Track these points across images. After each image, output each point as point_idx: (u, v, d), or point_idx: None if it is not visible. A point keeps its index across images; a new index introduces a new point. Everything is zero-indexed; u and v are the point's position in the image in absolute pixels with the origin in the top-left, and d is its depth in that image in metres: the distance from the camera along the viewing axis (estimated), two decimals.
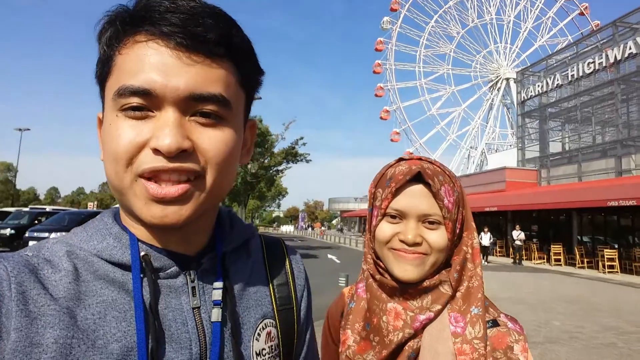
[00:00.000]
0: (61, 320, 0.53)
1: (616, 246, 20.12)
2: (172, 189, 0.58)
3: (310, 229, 72.35)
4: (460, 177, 34.81)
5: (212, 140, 0.60)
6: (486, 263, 21.05)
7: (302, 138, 27.74)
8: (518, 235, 21.64)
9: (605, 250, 18.70)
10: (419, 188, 0.92)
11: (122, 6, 0.61)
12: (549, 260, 21.69)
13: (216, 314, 0.64)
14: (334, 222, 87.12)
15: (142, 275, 0.61)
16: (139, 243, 0.63)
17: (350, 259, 21.73)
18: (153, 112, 0.58)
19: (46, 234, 13.29)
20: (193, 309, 0.64)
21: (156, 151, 0.57)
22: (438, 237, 0.91)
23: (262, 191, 34.20)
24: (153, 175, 0.58)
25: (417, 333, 0.90)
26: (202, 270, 0.67)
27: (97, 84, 0.64)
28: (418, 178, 0.92)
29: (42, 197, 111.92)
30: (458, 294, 0.93)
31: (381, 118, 52.97)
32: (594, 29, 50.67)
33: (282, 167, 29.33)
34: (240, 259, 0.75)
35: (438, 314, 0.91)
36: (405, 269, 0.90)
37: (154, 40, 0.58)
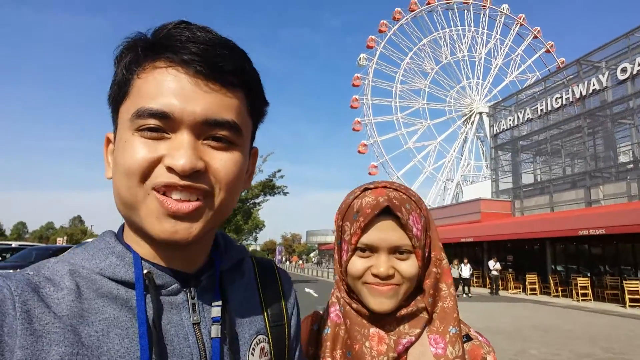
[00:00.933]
0: (66, 338, 0.54)
1: (589, 274, 20.46)
2: (185, 206, 0.60)
3: (287, 262, 71.44)
4: (436, 209, 35.21)
5: (224, 162, 0.63)
6: (469, 295, 20.85)
7: (279, 170, 27.77)
8: (494, 265, 21.82)
9: (578, 278, 18.99)
10: (387, 221, 0.91)
11: (142, 34, 0.64)
12: (524, 290, 21.84)
13: (215, 331, 0.67)
14: (311, 255, 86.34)
15: (145, 292, 0.63)
16: (142, 261, 0.65)
17: (327, 292, 21.35)
18: (168, 134, 0.61)
19: (11, 272, 12.69)
20: (193, 324, 0.66)
21: (170, 169, 0.59)
22: (409, 266, 0.91)
23: (239, 224, 33.70)
24: (166, 190, 0.60)
25: (400, 356, 0.90)
26: (202, 287, 0.70)
27: (110, 105, 0.67)
28: (386, 210, 0.91)
29: (8, 232, 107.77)
30: (434, 315, 0.95)
31: (359, 152, 53.62)
32: (560, 65, 53.27)
33: (259, 199, 29.15)
34: (236, 277, 0.78)
35: (418, 337, 0.92)
36: (381, 302, 0.91)
37: (174, 67, 0.61)
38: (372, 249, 0.92)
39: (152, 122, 0.60)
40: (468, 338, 0.96)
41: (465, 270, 21.66)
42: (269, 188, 27.89)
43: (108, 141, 0.69)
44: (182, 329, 0.64)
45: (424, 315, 0.94)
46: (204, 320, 0.67)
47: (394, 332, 0.92)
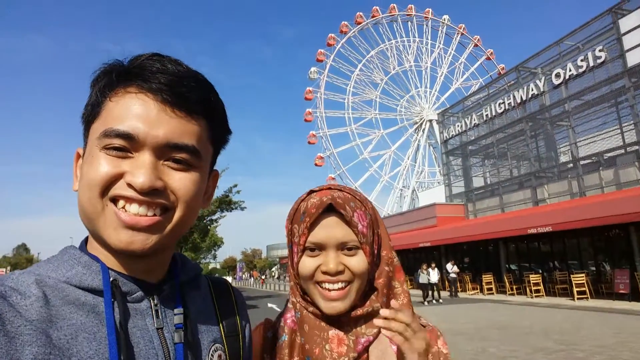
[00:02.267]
0: (38, 338, 0.56)
1: (540, 271, 21.38)
2: (143, 220, 0.65)
3: (251, 278, 70.28)
4: (394, 216, 35.73)
5: (182, 181, 0.69)
6: (439, 301, 20.31)
7: (236, 185, 27.33)
8: (452, 268, 22.28)
9: (530, 276, 19.81)
10: (332, 218, 0.94)
11: (118, 61, 0.70)
12: (482, 290, 22.52)
13: (178, 337, 0.71)
14: (274, 269, 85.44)
15: (112, 299, 0.66)
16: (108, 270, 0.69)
17: None
18: (132, 153, 0.66)
19: None
20: (157, 329, 0.70)
21: (130, 186, 0.64)
22: (358, 262, 0.93)
23: (196, 242, 32.87)
24: (125, 203, 0.65)
25: (360, 355, 0.92)
26: (163, 296, 0.74)
27: (82, 123, 0.72)
28: (331, 208, 0.94)
29: None
30: None
31: (316, 165, 53.73)
32: (500, 72, 55.94)
33: (216, 216, 28.56)
34: (193, 290, 0.83)
35: (376, 335, 0.94)
36: (333, 306, 0.92)
37: (144, 94, 0.67)
38: (320, 247, 0.94)
39: (118, 142, 0.65)
40: (422, 326, 0.99)
41: (434, 275, 21.00)
42: (225, 204, 27.37)
43: (78, 156, 0.74)
44: (147, 333, 0.68)
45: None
46: (167, 326, 0.72)
47: (352, 332, 0.94)
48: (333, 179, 53.59)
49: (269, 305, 22.43)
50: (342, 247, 0.93)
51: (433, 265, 21.38)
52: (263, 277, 67.23)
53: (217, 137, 0.77)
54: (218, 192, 27.30)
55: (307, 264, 0.94)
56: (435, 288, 20.89)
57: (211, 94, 0.74)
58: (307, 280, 0.95)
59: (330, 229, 0.93)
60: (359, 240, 0.93)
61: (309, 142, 53.83)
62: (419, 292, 21.03)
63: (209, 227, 30.91)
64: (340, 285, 0.92)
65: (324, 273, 0.92)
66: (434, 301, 20.34)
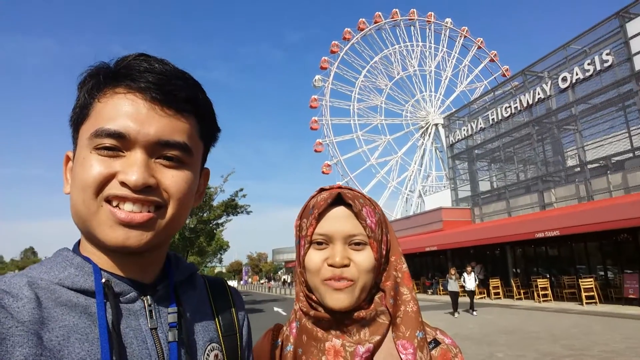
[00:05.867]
0: (29, 340, 0.56)
1: (547, 276, 21.21)
2: (138, 216, 0.65)
3: (266, 281, 69.98)
4: (400, 220, 35.53)
5: (175, 178, 0.69)
6: (473, 313, 16.00)
7: (242, 189, 27.34)
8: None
9: (538, 280, 19.65)
10: (341, 210, 0.93)
11: (104, 63, 0.70)
12: (489, 295, 22.37)
13: (172, 335, 0.70)
14: (279, 273, 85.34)
15: (104, 300, 0.66)
16: (101, 271, 0.68)
17: None
18: (124, 152, 0.66)
19: None
20: (151, 329, 0.69)
21: (123, 184, 0.65)
22: (365, 257, 0.91)
23: (202, 246, 32.89)
24: (119, 202, 0.65)
25: None
26: (158, 296, 0.74)
27: (71, 126, 0.72)
28: (339, 202, 0.94)
29: None
30: (398, 320, 0.93)
31: (323, 172, 53.51)
32: (505, 73, 55.70)
33: (222, 220, 28.59)
34: (188, 289, 0.82)
35: (378, 344, 0.90)
36: (338, 298, 0.89)
37: (133, 93, 0.67)
38: (327, 240, 0.93)
39: (109, 142, 0.65)
40: (437, 342, 0.96)
41: (470, 281, 16.69)
42: (231, 208, 27.39)
43: (67, 159, 0.74)
44: (140, 333, 0.68)
45: (385, 320, 0.93)
46: (161, 326, 0.71)
47: (354, 339, 0.91)
48: (329, 166, 53.62)
49: (275, 309, 22.42)
50: (349, 240, 0.92)
51: (469, 268, 17.27)
52: (270, 282, 66.95)
53: (207, 134, 0.78)
54: (224, 196, 27.35)
55: (314, 257, 0.93)
56: (469, 297, 16.66)
57: (199, 92, 0.74)
58: (313, 276, 0.93)
59: (338, 221, 0.93)
60: (367, 235, 0.92)
61: (316, 151, 53.79)
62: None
63: (215, 231, 30.92)
64: (345, 282, 0.91)
65: (330, 266, 0.91)
66: (472, 312, 16.18)
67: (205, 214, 26.76)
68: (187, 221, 25.60)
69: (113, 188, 0.65)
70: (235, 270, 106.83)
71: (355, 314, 0.91)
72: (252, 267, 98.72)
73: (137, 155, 0.66)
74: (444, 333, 1.00)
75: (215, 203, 27.29)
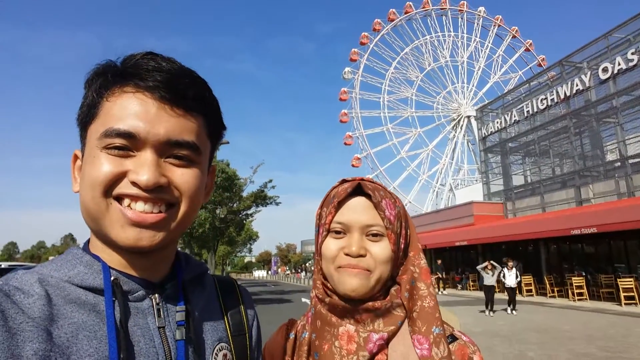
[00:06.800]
0: (39, 335, 0.57)
1: (583, 274, 20.56)
2: (149, 217, 0.66)
3: (292, 272, 70.70)
4: (430, 213, 35.13)
5: (185, 177, 0.70)
6: (514, 312, 14.93)
7: (271, 181, 27.70)
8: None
9: (573, 278, 19.06)
10: (360, 200, 0.94)
11: (112, 61, 0.71)
12: (521, 292, 21.86)
13: (180, 333, 0.71)
14: (307, 264, 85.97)
15: (113, 298, 0.67)
16: (110, 269, 0.69)
17: None
18: (134, 152, 0.67)
19: None
20: (159, 328, 0.70)
21: (134, 184, 0.65)
22: (381, 249, 0.92)
23: (232, 236, 33.52)
24: (131, 201, 0.66)
25: (374, 355, 0.88)
26: (166, 294, 0.74)
27: (79, 124, 0.72)
28: (360, 192, 0.94)
29: None
30: (414, 314, 0.92)
31: (353, 166, 53.31)
32: (540, 63, 53.77)
33: (251, 210, 29.01)
34: (197, 288, 0.83)
35: (392, 334, 0.90)
36: (351, 282, 0.90)
37: (141, 92, 0.67)
38: (345, 229, 0.93)
39: (119, 141, 0.66)
40: (453, 338, 0.95)
41: (511, 278, 15.48)
42: (260, 199, 27.77)
43: (75, 158, 0.75)
44: (147, 332, 0.69)
45: (400, 312, 0.92)
46: (169, 325, 0.72)
47: (367, 329, 0.90)
48: (359, 159, 53.38)
49: (303, 300, 22.61)
50: (367, 231, 0.92)
51: (510, 264, 15.84)
52: (299, 273, 67.50)
53: (214, 133, 0.79)
54: (253, 187, 27.71)
55: (331, 245, 0.94)
56: (510, 295, 15.38)
57: (206, 90, 0.75)
58: (328, 263, 0.94)
59: (357, 211, 0.93)
60: (385, 226, 0.92)
61: (345, 144, 53.63)
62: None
63: (244, 221, 31.42)
64: (360, 269, 0.90)
65: (346, 255, 0.91)
66: (512, 311, 15.06)
67: (235, 205, 27.18)
68: (218, 211, 26.08)
69: (124, 187, 0.66)
70: (265, 260, 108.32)
71: (370, 303, 0.91)
72: (281, 257, 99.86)
73: (147, 155, 0.66)
74: (462, 332, 0.99)
75: (244, 194, 27.67)
